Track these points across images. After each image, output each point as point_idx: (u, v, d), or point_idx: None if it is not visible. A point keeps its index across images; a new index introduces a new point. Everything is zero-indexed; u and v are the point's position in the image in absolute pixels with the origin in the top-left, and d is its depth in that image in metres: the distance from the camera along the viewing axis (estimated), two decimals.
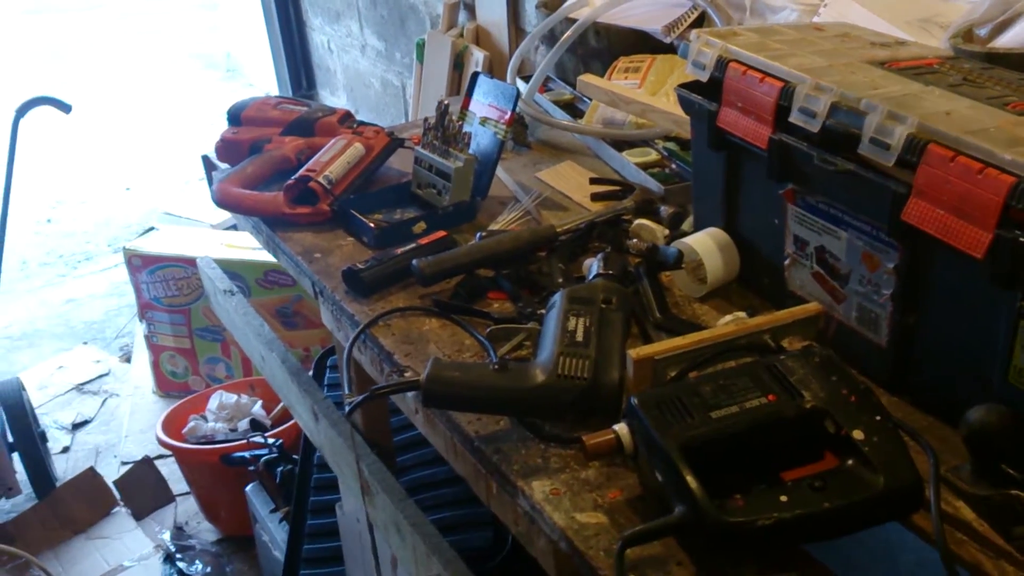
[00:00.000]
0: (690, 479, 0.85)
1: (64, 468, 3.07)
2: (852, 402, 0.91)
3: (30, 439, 2.84)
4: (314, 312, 3.03)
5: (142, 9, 8.51)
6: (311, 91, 4.41)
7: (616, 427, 0.94)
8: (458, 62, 2.82)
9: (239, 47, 6.62)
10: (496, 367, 1.03)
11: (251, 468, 2.46)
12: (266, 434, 2.56)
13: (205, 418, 2.79)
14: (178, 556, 2.64)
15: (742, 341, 1.06)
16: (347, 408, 1.10)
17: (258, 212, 1.58)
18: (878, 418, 0.90)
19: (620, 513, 0.93)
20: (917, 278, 1.01)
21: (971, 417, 0.88)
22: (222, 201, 1.60)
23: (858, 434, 0.88)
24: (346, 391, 1.18)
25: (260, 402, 2.84)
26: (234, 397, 2.84)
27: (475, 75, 1.65)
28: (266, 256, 2.97)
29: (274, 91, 4.66)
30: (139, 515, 2.85)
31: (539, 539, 0.98)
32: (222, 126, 1.80)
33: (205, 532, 2.79)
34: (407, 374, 1.11)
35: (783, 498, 0.85)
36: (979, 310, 0.94)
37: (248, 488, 2.47)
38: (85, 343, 3.81)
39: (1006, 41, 1.30)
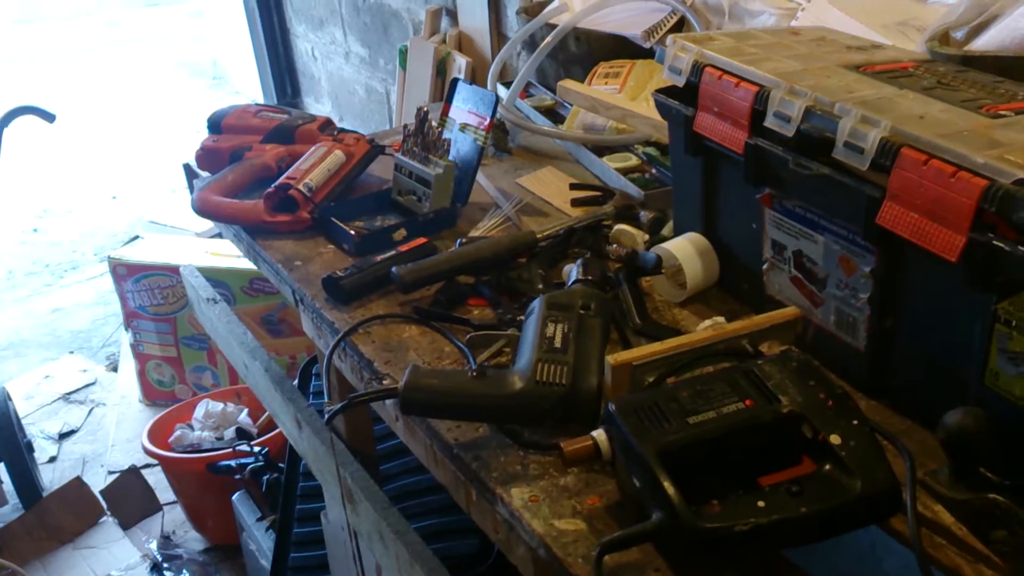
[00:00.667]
0: (667, 485, 0.85)
1: (51, 478, 3.06)
2: (829, 407, 0.91)
3: (16, 449, 2.83)
4: (300, 320, 3.02)
5: (128, 18, 8.49)
6: (296, 98, 4.40)
7: (594, 433, 0.94)
8: (441, 68, 2.83)
9: (225, 55, 6.60)
10: (474, 374, 1.03)
11: (237, 477, 2.45)
12: (252, 442, 2.55)
13: (191, 427, 2.78)
14: (165, 566, 2.63)
15: (720, 346, 1.06)
16: (327, 416, 1.10)
17: (238, 220, 1.58)
18: (855, 422, 0.90)
19: (599, 519, 0.93)
20: (893, 282, 1.01)
21: (948, 421, 0.88)
22: (202, 209, 1.59)
23: (835, 439, 0.88)
24: (327, 399, 1.18)
25: (246, 410, 2.83)
26: (220, 405, 2.83)
27: (455, 81, 1.65)
28: (250, 264, 2.97)
29: (260, 99, 4.65)
30: (126, 524, 2.83)
31: (518, 546, 0.98)
32: (202, 141, 1.80)
33: (192, 541, 2.78)
34: (386, 381, 1.11)
35: (760, 503, 0.85)
36: (955, 313, 0.94)
37: (235, 497, 2.46)
38: (71, 352, 3.80)
39: (982, 44, 1.30)
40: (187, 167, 1.85)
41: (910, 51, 1.25)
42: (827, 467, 0.88)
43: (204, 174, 1.75)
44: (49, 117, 3.09)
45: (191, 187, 1.79)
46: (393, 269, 1.31)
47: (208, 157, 1.74)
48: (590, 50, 1.93)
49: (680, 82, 1.20)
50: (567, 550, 0.90)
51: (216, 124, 1.80)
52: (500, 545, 1.04)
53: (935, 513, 0.90)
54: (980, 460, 0.89)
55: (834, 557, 1.09)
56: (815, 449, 0.89)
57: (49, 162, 5.54)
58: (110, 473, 3.04)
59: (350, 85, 3.83)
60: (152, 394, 3.33)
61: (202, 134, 1.80)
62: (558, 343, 1.05)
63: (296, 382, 1.97)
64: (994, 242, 0.84)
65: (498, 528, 1.01)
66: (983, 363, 0.91)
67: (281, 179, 1.57)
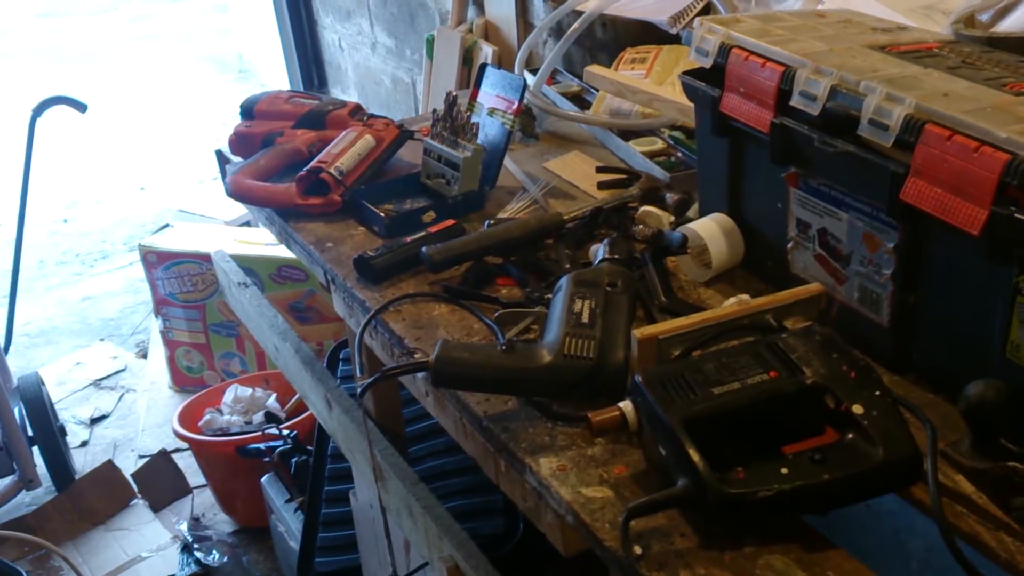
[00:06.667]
0: (692, 452, 0.87)
1: (82, 462, 3.11)
2: (852, 378, 0.93)
3: (50, 433, 2.88)
4: (327, 307, 3.06)
5: (153, 12, 8.55)
6: (322, 89, 4.43)
7: (621, 404, 0.96)
8: (467, 57, 2.84)
9: (251, 49, 6.66)
10: (504, 348, 1.05)
11: (266, 459, 2.48)
12: (281, 426, 2.58)
13: (220, 411, 2.82)
14: (196, 547, 2.66)
15: (744, 321, 1.08)
16: (359, 389, 1.13)
17: (271, 203, 1.61)
18: (878, 393, 0.92)
19: (625, 487, 0.95)
20: (917, 257, 1.02)
21: (969, 392, 0.89)
22: (235, 192, 1.62)
23: (858, 408, 0.90)
24: (358, 374, 1.20)
25: (274, 395, 2.87)
26: (249, 390, 2.87)
27: (483, 66, 1.68)
28: (279, 251, 3.02)
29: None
30: (156, 507, 2.88)
31: (547, 514, 1.01)
32: (235, 126, 1.83)
33: (222, 523, 2.82)
34: (417, 356, 1.13)
35: (784, 470, 0.87)
36: (977, 287, 0.96)
37: (263, 479, 2.50)
38: (102, 340, 3.85)
39: (1007, 26, 1.31)
40: (219, 153, 1.89)
41: (935, 32, 1.26)
42: (849, 436, 0.90)
43: (236, 159, 1.78)
44: (81, 107, 3.15)
45: (223, 172, 1.83)
46: (423, 249, 1.34)
47: (241, 142, 1.77)
48: (616, 36, 1.95)
49: (707, 63, 1.22)
50: (595, 516, 0.92)
51: (249, 110, 1.83)
52: (528, 513, 1.06)
53: (955, 482, 0.92)
54: (1000, 430, 0.91)
55: (858, 539, 1.10)
56: (838, 419, 0.91)
57: (76, 155, 5.61)
58: (140, 457, 3.08)
59: (376, 75, 3.85)
60: (181, 380, 3.38)
61: (228, 127, 1.83)
62: (585, 318, 1.07)
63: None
64: (1016, 215, 0.86)
65: (527, 497, 1.04)
66: (1004, 335, 0.93)
67: (312, 163, 1.60)
